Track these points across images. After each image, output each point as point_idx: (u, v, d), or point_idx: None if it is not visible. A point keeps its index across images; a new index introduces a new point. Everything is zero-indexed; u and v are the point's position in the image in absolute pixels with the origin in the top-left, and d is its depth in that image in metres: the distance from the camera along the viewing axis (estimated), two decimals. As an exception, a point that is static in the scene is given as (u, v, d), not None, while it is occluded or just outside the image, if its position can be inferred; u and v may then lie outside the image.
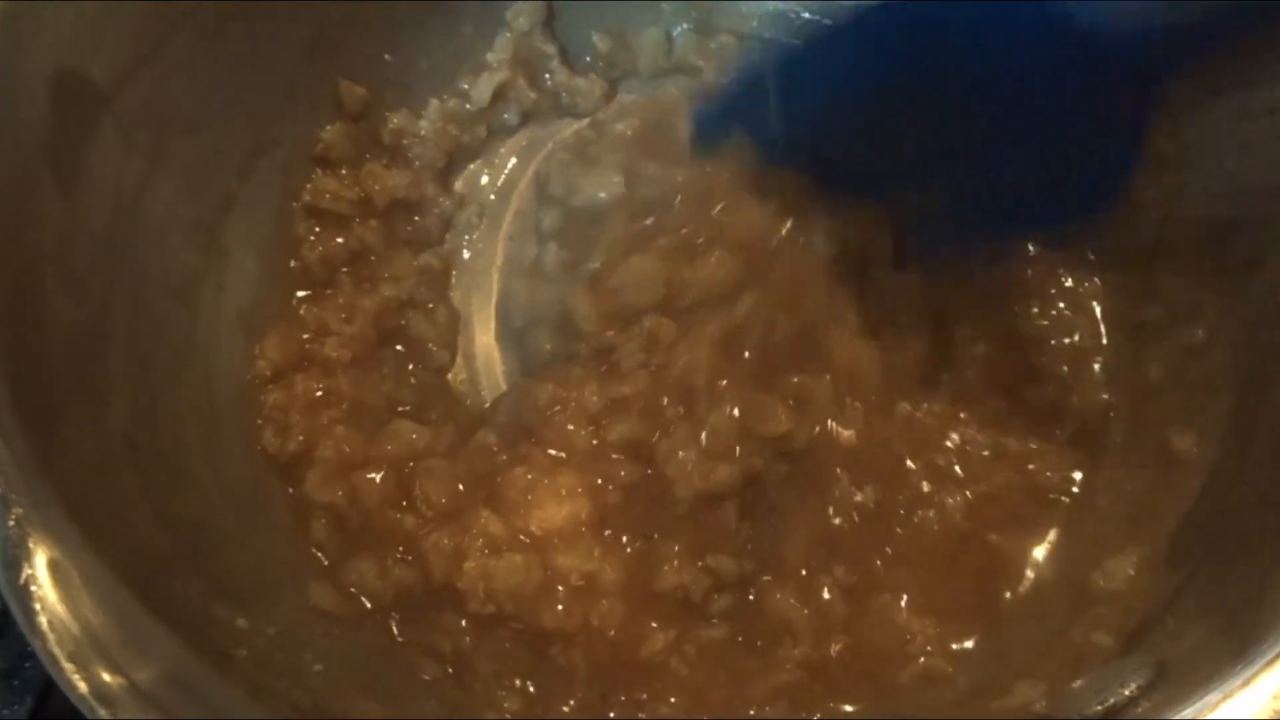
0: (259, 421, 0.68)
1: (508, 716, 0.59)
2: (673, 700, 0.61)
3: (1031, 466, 0.66)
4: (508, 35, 0.81)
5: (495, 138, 0.82)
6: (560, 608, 0.62)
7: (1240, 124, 0.62)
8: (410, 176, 0.77)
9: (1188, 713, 0.40)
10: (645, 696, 0.61)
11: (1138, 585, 0.57)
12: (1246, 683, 0.40)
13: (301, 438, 0.68)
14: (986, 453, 0.67)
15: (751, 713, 0.60)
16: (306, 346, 0.72)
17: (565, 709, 0.60)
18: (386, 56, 0.79)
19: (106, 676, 0.40)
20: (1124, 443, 0.66)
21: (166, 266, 0.65)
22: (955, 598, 0.62)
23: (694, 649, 0.62)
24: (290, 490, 0.67)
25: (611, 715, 0.60)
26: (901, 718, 0.59)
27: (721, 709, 0.61)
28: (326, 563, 0.65)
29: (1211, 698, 0.40)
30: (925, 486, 0.65)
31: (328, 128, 0.77)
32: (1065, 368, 0.69)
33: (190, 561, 0.54)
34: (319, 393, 0.70)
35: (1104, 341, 0.70)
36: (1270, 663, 0.40)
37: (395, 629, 0.63)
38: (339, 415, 0.69)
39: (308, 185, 0.76)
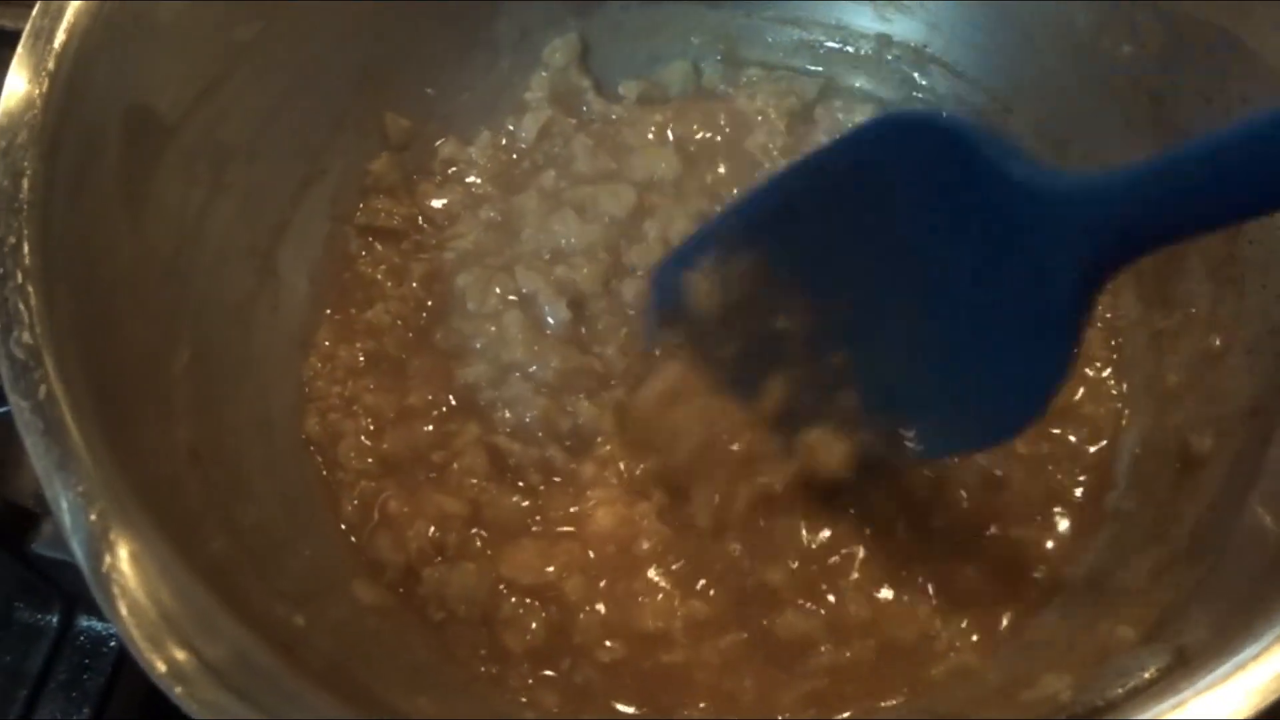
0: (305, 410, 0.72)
1: (554, 712, 0.62)
2: (702, 705, 0.63)
3: (1047, 468, 0.68)
4: (544, 74, 0.85)
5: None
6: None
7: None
8: (463, 191, 0.81)
9: (1202, 685, 0.41)
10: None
11: (1160, 582, 0.58)
12: (1257, 657, 0.42)
13: (339, 403, 0.72)
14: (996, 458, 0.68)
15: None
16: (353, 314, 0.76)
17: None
18: (429, 90, 0.83)
19: (179, 654, 0.43)
20: (1143, 446, 0.68)
21: (224, 289, 0.69)
22: (978, 593, 0.64)
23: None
24: (325, 473, 0.70)
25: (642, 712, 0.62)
26: (934, 714, 0.60)
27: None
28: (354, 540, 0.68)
29: (1224, 669, 0.42)
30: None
31: (375, 161, 0.81)
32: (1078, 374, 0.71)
33: (250, 564, 0.57)
34: (361, 360, 0.74)
35: (1115, 353, 0.72)
36: (1281, 637, 0.42)
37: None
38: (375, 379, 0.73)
39: (361, 206, 0.80)
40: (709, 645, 0.63)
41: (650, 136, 0.82)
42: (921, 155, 0.56)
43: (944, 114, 0.59)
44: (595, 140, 0.82)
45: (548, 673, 0.63)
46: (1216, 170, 0.44)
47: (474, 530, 0.68)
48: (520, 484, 0.69)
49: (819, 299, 0.63)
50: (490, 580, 0.65)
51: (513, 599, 0.65)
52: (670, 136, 0.83)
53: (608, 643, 0.64)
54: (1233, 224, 0.52)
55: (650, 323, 0.72)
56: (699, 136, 0.82)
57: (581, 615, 0.64)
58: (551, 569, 0.65)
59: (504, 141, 0.84)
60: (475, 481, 0.69)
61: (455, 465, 0.69)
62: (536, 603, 0.65)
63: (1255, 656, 0.42)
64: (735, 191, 0.79)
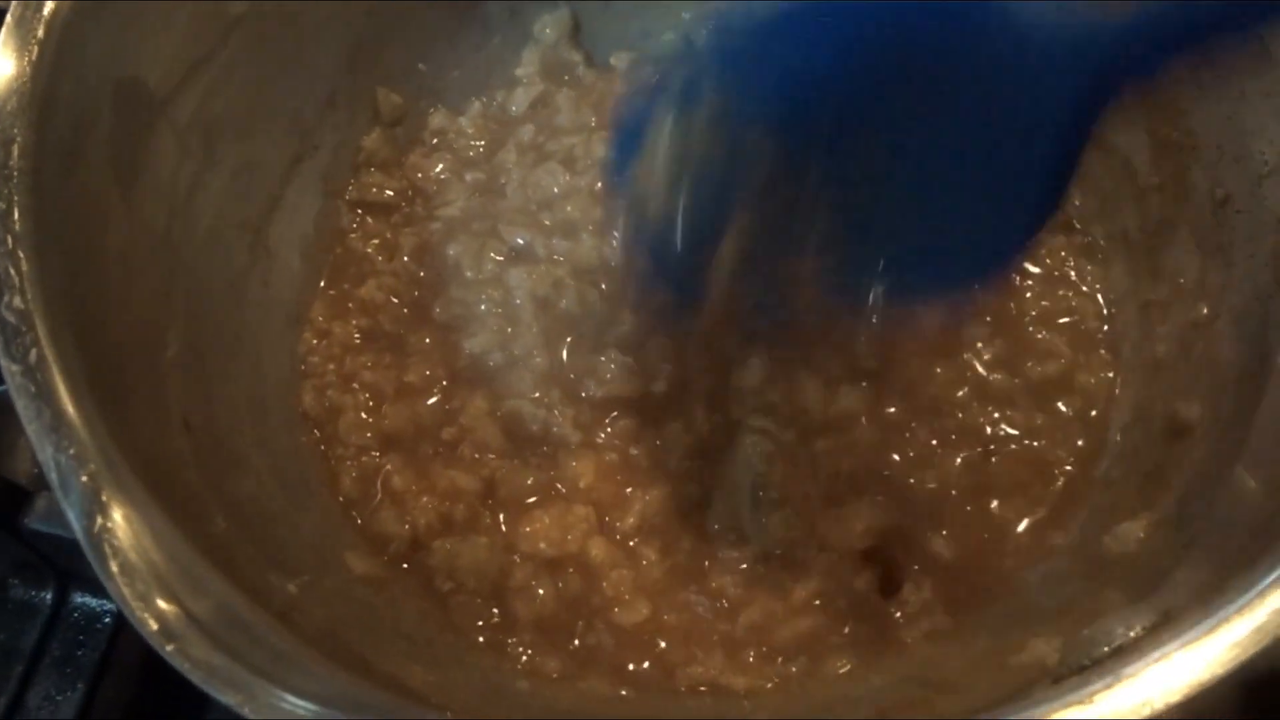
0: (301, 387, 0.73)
1: (554, 678, 0.62)
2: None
3: (1038, 442, 0.68)
4: (535, 49, 0.85)
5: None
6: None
7: (1238, 108, 0.65)
8: (452, 158, 0.82)
9: (1187, 638, 0.42)
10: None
11: (1147, 547, 0.59)
12: (1240, 611, 0.42)
13: (336, 380, 0.72)
14: (992, 428, 0.68)
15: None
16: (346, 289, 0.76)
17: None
18: (421, 66, 0.83)
19: (170, 612, 0.43)
20: (1132, 415, 0.68)
21: (216, 264, 0.69)
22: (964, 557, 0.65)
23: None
24: (324, 448, 0.70)
25: (644, 666, 0.63)
26: (924, 681, 0.61)
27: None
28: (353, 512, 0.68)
29: (1208, 624, 0.42)
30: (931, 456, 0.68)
31: (367, 137, 0.81)
32: (1070, 346, 0.71)
33: (243, 534, 0.57)
34: (356, 338, 0.74)
35: (1106, 324, 0.72)
36: (1263, 592, 0.42)
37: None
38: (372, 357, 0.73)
39: (353, 181, 0.80)
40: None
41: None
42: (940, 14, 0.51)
43: None
44: (579, 94, 0.83)
45: (552, 639, 0.64)
46: None
47: (487, 503, 0.68)
48: (536, 455, 0.69)
49: (793, 138, 0.55)
50: (503, 553, 0.66)
51: (527, 568, 0.65)
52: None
53: (632, 601, 0.64)
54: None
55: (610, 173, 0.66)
56: None
57: (607, 579, 0.65)
58: (570, 537, 0.66)
59: (495, 112, 0.84)
60: (491, 457, 0.69)
61: (466, 442, 0.69)
62: (553, 573, 0.65)
63: (1238, 611, 0.42)
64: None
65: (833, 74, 0.54)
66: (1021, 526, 0.66)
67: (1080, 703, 0.41)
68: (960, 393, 0.70)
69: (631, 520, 0.66)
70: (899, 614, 0.63)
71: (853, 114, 0.54)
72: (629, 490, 0.67)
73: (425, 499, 0.67)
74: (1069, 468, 0.68)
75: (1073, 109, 0.48)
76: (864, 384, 0.68)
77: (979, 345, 0.71)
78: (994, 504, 0.67)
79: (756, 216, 0.57)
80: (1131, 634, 0.47)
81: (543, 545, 0.65)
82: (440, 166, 0.81)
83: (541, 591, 0.64)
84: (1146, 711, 0.40)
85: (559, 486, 0.68)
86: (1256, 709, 0.61)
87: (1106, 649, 0.47)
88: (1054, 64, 0.48)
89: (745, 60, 0.56)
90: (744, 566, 0.65)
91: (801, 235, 0.57)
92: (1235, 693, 0.62)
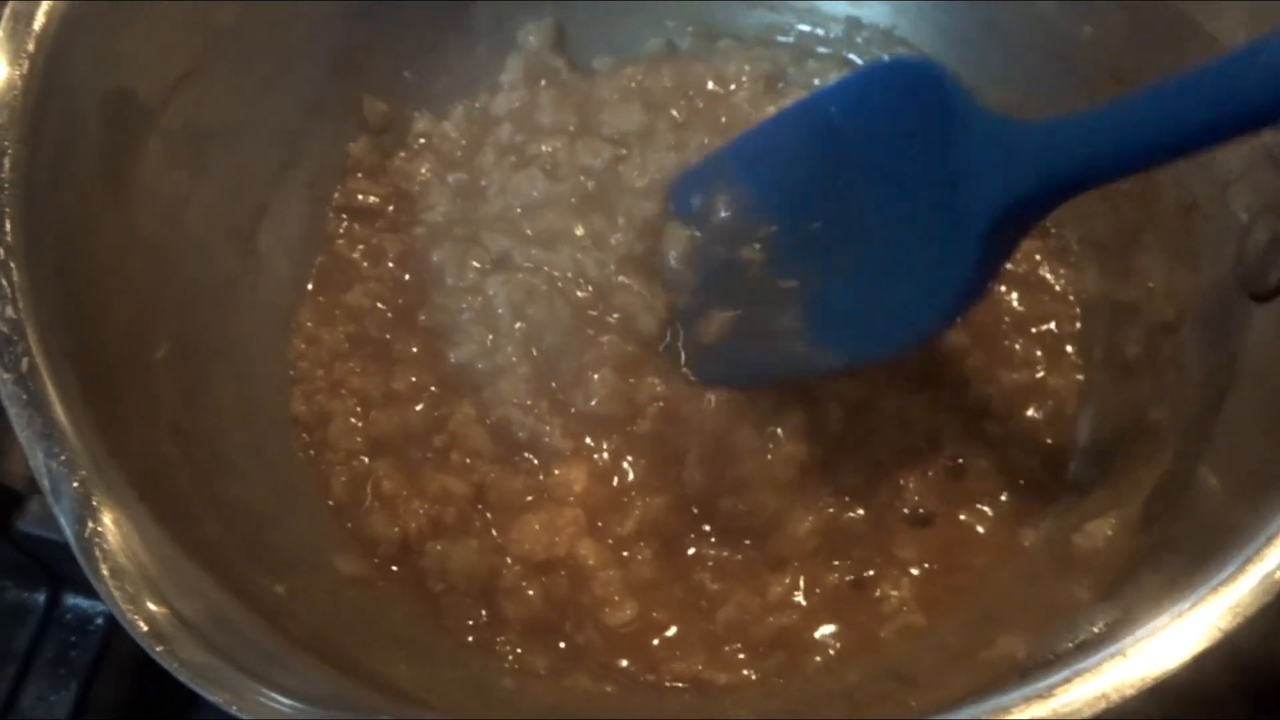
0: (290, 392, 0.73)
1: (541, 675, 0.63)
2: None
3: (1010, 446, 0.70)
4: (519, 56, 0.86)
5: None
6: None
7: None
8: (435, 161, 0.83)
9: (1142, 634, 0.43)
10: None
11: (1115, 545, 0.60)
12: (1194, 606, 0.43)
13: (325, 385, 0.73)
14: (964, 435, 0.70)
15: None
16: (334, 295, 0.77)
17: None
18: (406, 74, 0.84)
19: (160, 614, 0.44)
20: (1103, 417, 0.70)
21: (205, 270, 0.70)
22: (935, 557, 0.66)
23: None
24: (313, 453, 0.71)
25: (628, 664, 0.64)
26: (897, 676, 0.62)
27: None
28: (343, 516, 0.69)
29: (1162, 620, 0.43)
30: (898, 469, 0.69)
31: (354, 144, 0.82)
32: (1044, 351, 0.72)
33: (233, 537, 0.58)
34: (345, 344, 0.75)
35: (1079, 325, 0.74)
36: (1216, 588, 0.44)
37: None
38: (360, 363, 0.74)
39: (339, 188, 0.81)
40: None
41: (618, 95, 0.84)
42: (902, 97, 0.61)
43: (929, 61, 0.64)
44: (561, 94, 0.84)
45: (541, 639, 0.65)
46: (1132, 125, 0.50)
47: (477, 507, 0.69)
48: (525, 461, 0.70)
49: (785, 229, 0.67)
50: (494, 556, 0.67)
51: (516, 570, 0.66)
52: (637, 90, 0.84)
53: (621, 601, 0.65)
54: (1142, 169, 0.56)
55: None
56: (669, 91, 0.84)
57: (596, 580, 0.66)
58: (559, 539, 0.66)
59: (478, 115, 0.85)
60: (481, 463, 0.70)
61: (456, 448, 0.70)
62: (542, 575, 0.66)
63: (1192, 606, 0.43)
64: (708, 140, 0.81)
65: (812, 157, 0.66)
66: (993, 526, 0.68)
67: (1040, 698, 0.42)
68: (935, 410, 0.71)
69: (630, 525, 0.67)
70: (875, 611, 0.65)
71: (824, 194, 0.65)
72: (626, 497, 0.68)
73: (416, 503, 0.68)
74: (1039, 468, 0.69)
75: (995, 208, 0.54)
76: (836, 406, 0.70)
77: (956, 361, 0.73)
78: (974, 500, 0.68)
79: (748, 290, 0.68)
80: (1095, 629, 0.49)
81: (532, 548, 0.66)
82: (424, 170, 0.82)
83: (531, 593, 0.65)
84: (1103, 705, 0.42)
85: (549, 491, 0.68)
86: (1262, 709, 0.63)
87: (1070, 645, 0.49)
88: (989, 166, 0.54)
89: (752, 155, 0.71)
90: (726, 554, 0.67)
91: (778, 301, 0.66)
92: (1239, 693, 0.64)
